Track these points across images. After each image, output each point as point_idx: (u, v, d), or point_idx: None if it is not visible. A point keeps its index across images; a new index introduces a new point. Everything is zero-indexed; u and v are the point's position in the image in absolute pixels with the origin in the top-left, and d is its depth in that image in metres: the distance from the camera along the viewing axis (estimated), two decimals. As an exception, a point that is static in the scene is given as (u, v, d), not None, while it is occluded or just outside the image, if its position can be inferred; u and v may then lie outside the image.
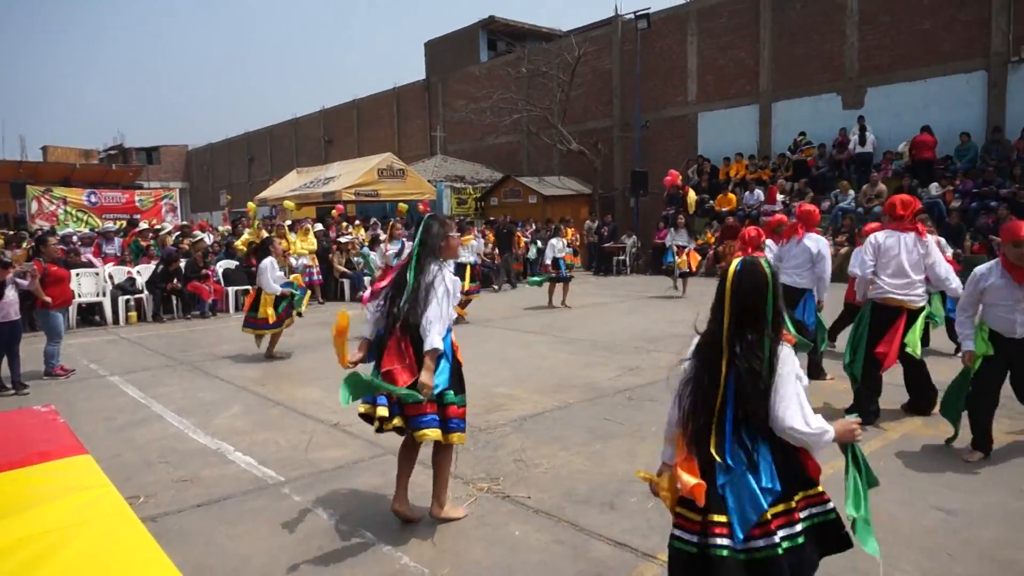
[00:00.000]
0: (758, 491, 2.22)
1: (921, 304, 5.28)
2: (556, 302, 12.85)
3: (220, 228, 19.12)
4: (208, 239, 14.94)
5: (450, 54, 30.92)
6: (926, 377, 5.48)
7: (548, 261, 13.25)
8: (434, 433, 3.47)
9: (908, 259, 5.22)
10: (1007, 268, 4.31)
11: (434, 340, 3.42)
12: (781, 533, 2.22)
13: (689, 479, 2.22)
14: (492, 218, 20.20)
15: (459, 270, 11.14)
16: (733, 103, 20.58)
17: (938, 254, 5.30)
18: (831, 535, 2.36)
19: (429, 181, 22.87)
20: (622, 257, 20.21)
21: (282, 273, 8.67)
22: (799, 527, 2.27)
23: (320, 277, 14.50)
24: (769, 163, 19.00)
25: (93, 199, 22.02)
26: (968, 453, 4.49)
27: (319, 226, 16.41)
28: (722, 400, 2.28)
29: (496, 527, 3.69)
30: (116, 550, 2.07)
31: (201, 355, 8.87)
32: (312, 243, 14.64)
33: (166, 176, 47.00)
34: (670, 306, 12.41)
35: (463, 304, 11.06)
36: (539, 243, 18.47)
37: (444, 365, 3.55)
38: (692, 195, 18.97)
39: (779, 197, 17.24)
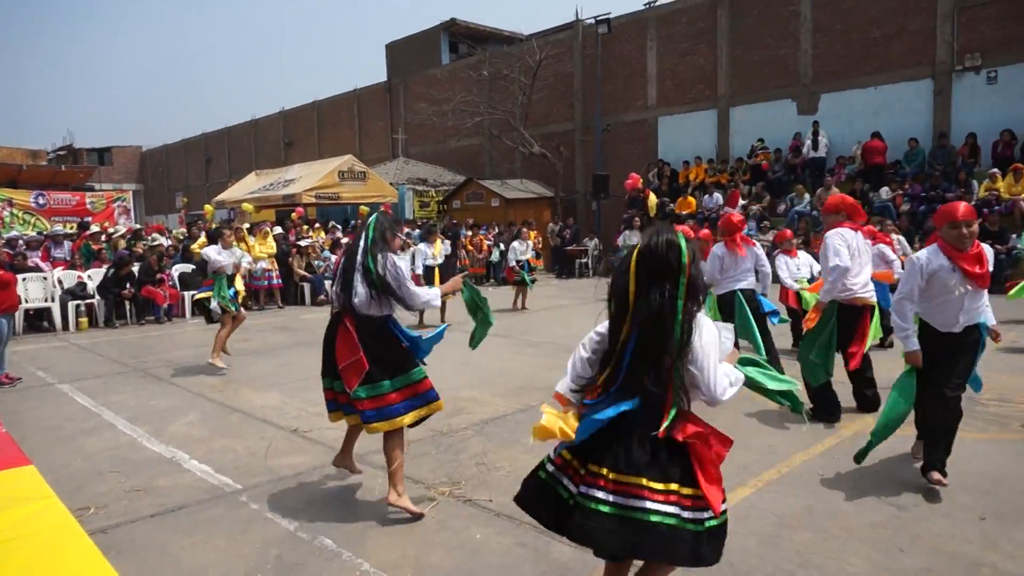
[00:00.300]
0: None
1: (874, 300, 5.43)
2: (523, 304, 12.90)
3: (176, 231, 18.69)
4: (166, 243, 14.60)
5: (411, 56, 30.79)
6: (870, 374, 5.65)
7: (512, 264, 13.28)
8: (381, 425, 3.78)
9: (867, 258, 5.41)
10: (949, 254, 3.93)
11: (428, 294, 4.02)
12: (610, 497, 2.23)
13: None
14: (426, 220, 20.19)
15: (427, 273, 11.12)
16: (692, 108, 20.90)
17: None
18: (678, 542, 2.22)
19: (391, 184, 22.73)
20: (584, 260, 20.35)
21: (229, 260, 8.19)
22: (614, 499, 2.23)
23: (280, 281, 14.28)
24: (728, 167, 19.35)
25: (41, 201, 21.31)
26: (931, 474, 3.92)
27: (278, 229, 16.17)
28: (617, 360, 2.32)
29: (457, 531, 3.67)
30: (60, 563, 2.01)
31: (156, 361, 8.66)
32: (271, 246, 14.41)
33: (119, 178, 45.76)
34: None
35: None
36: (502, 246, 18.50)
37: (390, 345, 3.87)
38: (653, 198, 19.30)
39: (740, 201, 17.56)
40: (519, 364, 7.93)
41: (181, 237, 16.12)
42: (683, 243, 2.28)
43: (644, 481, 2.21)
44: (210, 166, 42.68)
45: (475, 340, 4.82)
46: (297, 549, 3.52)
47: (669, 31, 21.32)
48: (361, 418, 3.79)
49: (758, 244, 7.00)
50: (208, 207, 18.32)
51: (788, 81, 18.89)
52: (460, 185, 23.92)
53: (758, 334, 6.01)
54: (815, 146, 17.55)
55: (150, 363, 8.54)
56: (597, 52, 22.47)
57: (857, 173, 16.62)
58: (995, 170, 14.31)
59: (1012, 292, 8.98)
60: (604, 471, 2.26)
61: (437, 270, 11.25)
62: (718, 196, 18.25)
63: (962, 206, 3.89)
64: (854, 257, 5.27)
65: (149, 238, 14.93)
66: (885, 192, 15.49)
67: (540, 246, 19.27)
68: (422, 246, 11.68)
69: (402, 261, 3.91)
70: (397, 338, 3.94)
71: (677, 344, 2.24)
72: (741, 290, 6.53)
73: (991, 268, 4.07)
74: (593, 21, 22.61)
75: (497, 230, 19.43)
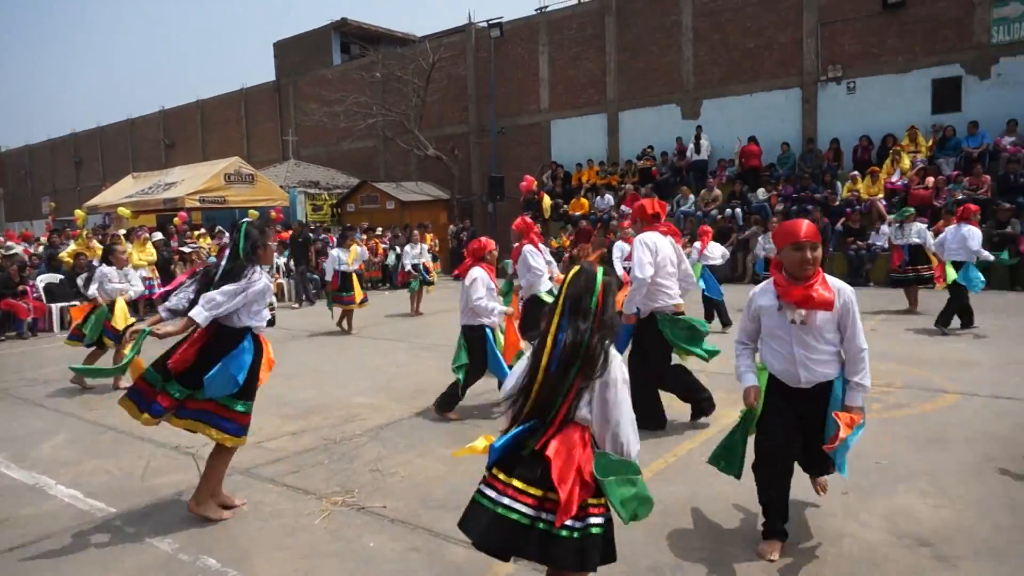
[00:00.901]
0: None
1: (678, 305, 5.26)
2: (422, 308, 12.81)
3: (42, 239, 17.27)
4: (27, 249, 13.45)
5: (301, 55, 29.90)
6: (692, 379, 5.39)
7: (408, 268, 13.16)
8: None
9: (675, 262, 5.23)
10: (779, 289, 3.16)
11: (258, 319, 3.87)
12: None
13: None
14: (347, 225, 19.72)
15: (344, 280, 10.80)
16: (583, 111, 21.45)
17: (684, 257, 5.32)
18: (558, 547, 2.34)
19: (281, 187, 21.95)
20: (482, 262, 20.42)
21: (123, 285, 7.59)
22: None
23: (161, 290, 13.49)
24: (618, 169, 19.98)
25: None
26: (763, 545, 3.29)
27: (159, 235, 15.27)
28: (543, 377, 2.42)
29: (350, 540, 3.60)
30: None
31: (18, 380, 7.97)
32: (151, 253, 13.61)
33: (-30, 181, 41.80)
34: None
35: (348, 314, 10.86)
36: (398, 249, 18.28)
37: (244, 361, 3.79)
38: (547, 200, 19.61)
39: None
40: (415, 368, 7.87)
41: (44, 245, 14.91)
42: (599, 281, 2.46)
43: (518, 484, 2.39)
44: (81, 168, 39.73)
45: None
46: (178, 572, 3.34)
47: (560, 36, 21.79)
48: (231, 430, 3.79)
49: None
50: (79, 212, 17.02)
51: (672, 87, 19.74)
52: (354, 188, 23.45)
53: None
54: (698, 150, 18.44)
55: (11, 382, 7.85)
56: (490, 55, 22.65)
57: (736, 175, 17.59)
58: (855, 172, 15.54)
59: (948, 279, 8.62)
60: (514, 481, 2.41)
61: (354, 276, 11.03)
62: (609, 198, 18.80)
63: (805, 224, 3.11)
64: (662, 265, 5.06)
65: (2, 248, 13.68)
66: (761, 193, 16.48)
67: (436, 249, 19.18)
68: (336, 251, 11.40)
69: (266, 283, 3.85)
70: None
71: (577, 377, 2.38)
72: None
73: (841, 302, 3.13)
74: (486, 25, 22.79)
75: (392, 234, 19.16)
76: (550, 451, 2.37)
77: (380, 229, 19.46)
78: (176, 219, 17.41)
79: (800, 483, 4.07)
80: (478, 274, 5.66)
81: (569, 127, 21.83)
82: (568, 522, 2.32)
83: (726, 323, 9.53)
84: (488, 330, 5.68)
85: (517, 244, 7.64)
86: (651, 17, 19.92)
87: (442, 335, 10.08)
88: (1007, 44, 15.22)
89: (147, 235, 14.03)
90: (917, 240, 10.25)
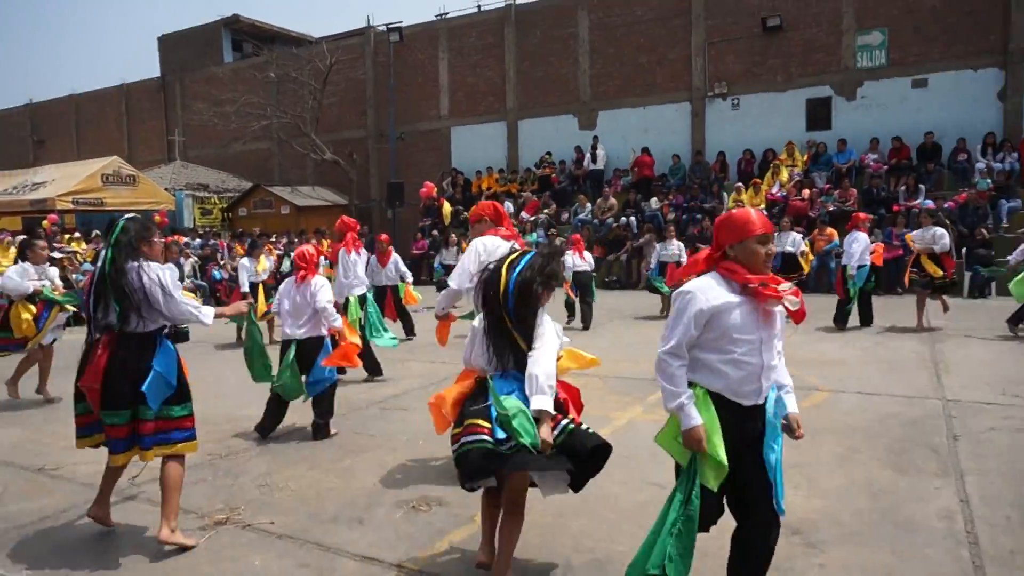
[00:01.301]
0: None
1: None
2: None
3: None
4: None
5: (189, 52, 28.49)
6: None
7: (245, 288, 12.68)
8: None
9: None
10: (743, 284, 2.59)
11: (198, 312, 3.66)
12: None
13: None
14: (261, 233, 18.93)
15: (253, 290, 10.25)
16: (483, 119, 21.59)
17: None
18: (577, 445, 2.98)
19: (166, 189, 20.82)
20: (382, 268, 20.11)
21: (43, 283, 6.89)
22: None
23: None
24: (517, 177, 20.23)
25: None
26: None
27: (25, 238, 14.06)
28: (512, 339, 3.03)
29: (234, 560, 3.44)
30: None
31: None
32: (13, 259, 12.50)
33: None
34: (428, 318, 12.62)
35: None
36: (292, 255, 17.71)
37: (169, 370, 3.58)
38: (447, 207, 19.62)
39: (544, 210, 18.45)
40: (309, 377, 7.62)
41: None
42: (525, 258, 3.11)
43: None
44: (-66, 165, 36.11)
45: (255, 374, 5.26)
46: (37, 604, 3.07)
47: (460, 43, 21.85)
48: (183, 437, 3.64)
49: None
50: (-70, 213, 15.50)
51: (570, 98, 20.21)
52: (247, 192, 22.57)
53: None
54: (594, 159, 18.96)
55: None
56: (389, 60, 22.42)
57: (631, 185, 18.21)
58: (740, 184, 16.44)
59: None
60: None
61: (261, 287, 10.53)
62: (509, 204, 18.99)
63: (755, 214, 2.69)
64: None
65: None
66: (654, 202, 17.13)
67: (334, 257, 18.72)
68: (245, 261, 10.86)
69: (166, 270, 3.61)
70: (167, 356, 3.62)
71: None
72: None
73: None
74: (385, 29, 22.54)
75: (287, 240, 18.53)
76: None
77: (253, 235, 18.78)
78: (45, 222, 16.13)
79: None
80: (325, 281, 5.45)
81: (469, 134, 21.91)
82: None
83: (586, 327, 10.53)
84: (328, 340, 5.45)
85: (334, 244, 7.74)
86: (549, 28, 20.33)
87: (338, 343, 9.84)
88: (870, 69, 16.58)
89: (10, 238, 12.92)
90: (791, 248, 10.73)
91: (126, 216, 3.72)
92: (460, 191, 20.64)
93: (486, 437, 2.87)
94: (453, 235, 15.32)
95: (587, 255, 11.07)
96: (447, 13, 22.59)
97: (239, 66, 26.88)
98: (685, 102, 18.68)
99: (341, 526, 3.79)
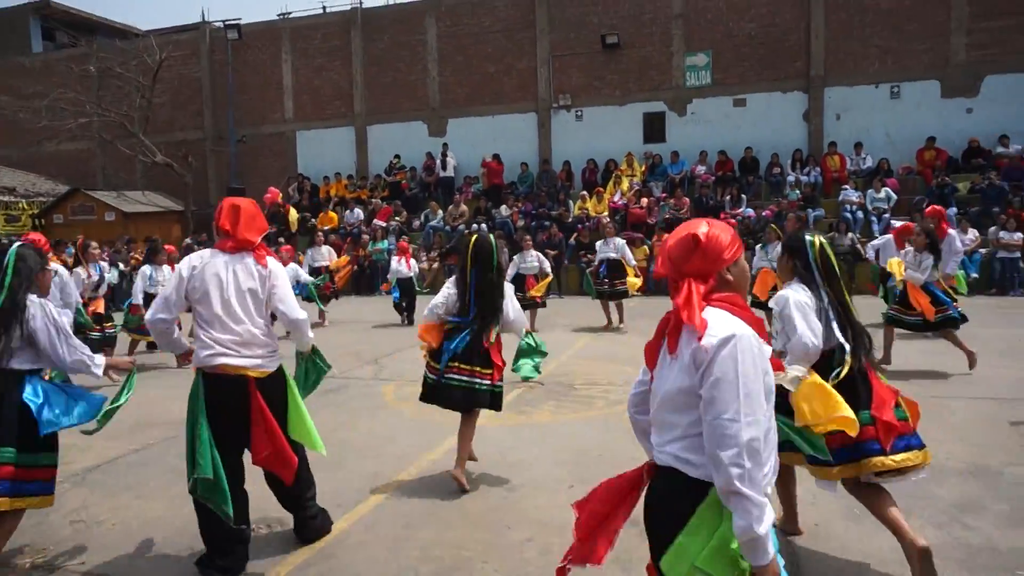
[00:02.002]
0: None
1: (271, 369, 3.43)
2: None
3: None
4: None
5: (-11, 38, 25.35)
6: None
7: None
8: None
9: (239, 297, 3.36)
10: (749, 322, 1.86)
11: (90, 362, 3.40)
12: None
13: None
14: (152, 238, 17.06)
15: (148, 302, 9.18)
16: (330, 124, 21.01)
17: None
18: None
19: (-39, 192, 18.35)
20: (222, 278, 18.95)
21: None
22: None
23: None
24: (367, 183, 19.85)
25: None
26: None
27: None
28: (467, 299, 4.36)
29: (40, 608, 3.08)
30: None
31: None
32: None
33: None
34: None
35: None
36: (120, 265, 16.24)
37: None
38: (294, 213, 18.88)
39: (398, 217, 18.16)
40: (137, 399, 6.98)
41: None
42: (493, 242, 4.46)
43: (477, 368, 4.36)
44: None
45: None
46: None
47: (304, 45, 21.12)
48: (42, 490, 3.34)
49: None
50: None
51: (419, 104, 20.16)
52: (63, 196, 20.40)
53: None
54: (444, 166, 19.03)
55: None
56: (228, 58, 21.22)
57: (481, 192, 18.45)
58: (584, 192, 17.17)
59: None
60: (457, 364, 4.34)
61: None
62: (359, 211, 18.60)
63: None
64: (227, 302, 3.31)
65: None
66: (504, 210, 17.47)
67: (172, 265, 17.39)
68: (146, 268, 9.70)
69: (60, 311, 3.56)
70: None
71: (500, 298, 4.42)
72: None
73: None
74: (222, 25, 21.31)
75: (113, 248, 16.94)
76: (492, 349, 4.46)
77: (73, 244, 17.12)
78: None
79: (533, 492, 4.34)
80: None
81: (316, 139, 21.22)
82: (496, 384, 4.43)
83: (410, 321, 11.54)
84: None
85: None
86: (397, 34, 20.18)
87: (172, 360, 9.13)
88: (697, 88, 17.96)
89: None
90: (614, 255, 10.59)
91: (19, 242, 3.35)
92: (307, 197, 19.91)
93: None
94: (320, 236, 14.85)
95: (412, 263, 12.17)
96: (290, 13, 21.77)
97: (52, 57, 24.28)
98: (532, 112, 19.24)
99: (169, 559, 3.50)
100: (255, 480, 4.54)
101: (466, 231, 16.87)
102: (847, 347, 3.17)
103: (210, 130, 22.18)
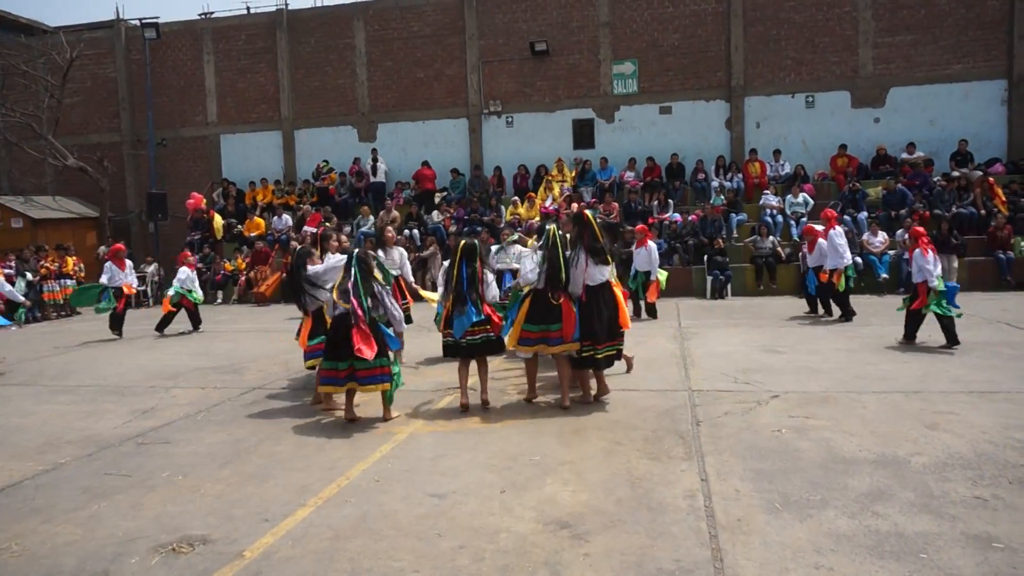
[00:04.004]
0: (467, 321, 6.02)
1: None
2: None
3: None
4: None
5: None
6: None
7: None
8: None
9: None
10: None
11: None
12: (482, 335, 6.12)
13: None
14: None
15: (13, 309, 8.57)
16: (256, 127, 20.47)
17: None
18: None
19: None
20: (143, 287, 18.14)
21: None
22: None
23: None
24: (295, 189, 19.42)
25: None
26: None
27: None
28: (457, 281, 6.08)
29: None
30: None
31: None
32: None
33: None
34: (194, 339, 11.64)
35: None
36: (28, 275, 15.34)
37: None
38: (219, 219, 18.32)
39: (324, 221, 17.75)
40: (43, 416, 6.63)
41: None
42: (477, 244, 6.30)
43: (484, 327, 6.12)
44: None
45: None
46: None
47: (227, 46, 20.52)
48: None
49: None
50: None
51: (349, 109, 19.87)
52: (-37, 202, 19.14)
53: None
54: (374, 172, 18.80)
55: None
56: (145, 58, 20.37)
57: (413, 197, 18.32)
58: (516, 197, 17.27)
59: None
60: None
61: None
62: (287, 217, 18.17)
63: None
64: None
65: None
66: (436, 215, 17.40)
67: (83, 275, 16.59)
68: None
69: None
70: None
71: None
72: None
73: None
74: (138, 23, 20.45)
75: (16, 258, 15.94)
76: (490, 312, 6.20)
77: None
78: None
79: (464, 498, 4.32)
80: None
81: (241, 143, 20.62)
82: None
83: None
84: None
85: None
86: (324, 37, 19.84)
87: (87, 373, 8.71)
88: (624, 95, 18.36)
89: None
90: (517, 265, 10.71)
91: None
92: (233, 203, 19.32)
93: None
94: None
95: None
96: (212, 12, 21.10)
97: (-50, 53, 22.76)
98: (463, 118, 19.25)
99: (82, 584, 3.33)
100: (175, 497, 4.37)
101: (397, 236, 16.73)
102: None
103: (128, 133, 21.25)
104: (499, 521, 3.88)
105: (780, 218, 15.72)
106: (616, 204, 16.55)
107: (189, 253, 13.16)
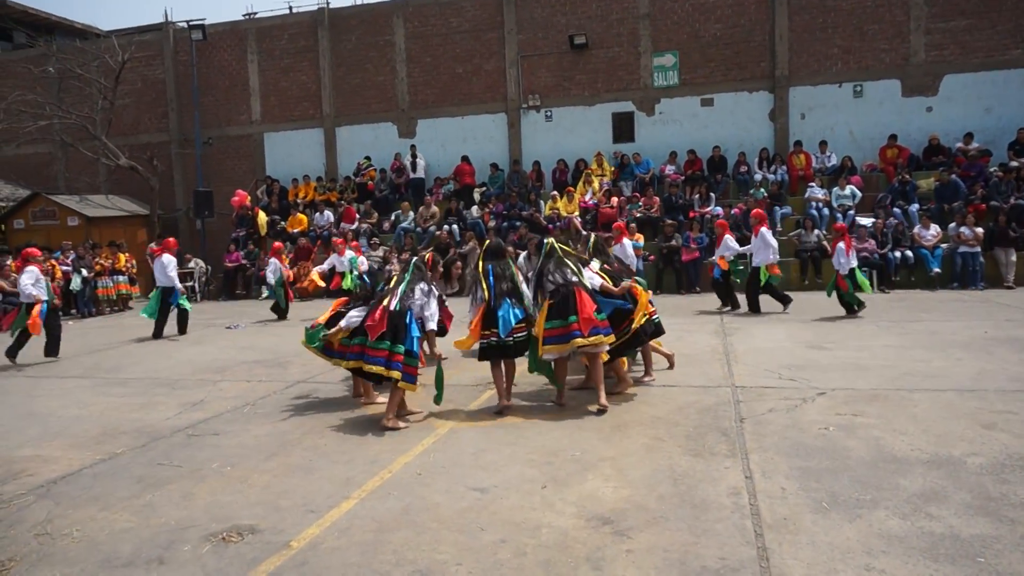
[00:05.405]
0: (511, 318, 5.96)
1: None
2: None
3: None
4: None
5: (-58, 39, 24.60)
6: None
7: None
8: None
9: None
10: None
11: None
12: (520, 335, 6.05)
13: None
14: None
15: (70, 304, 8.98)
16: (298, 125, 20.78)
17: None
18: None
19: (-85, 198, 17.80)
20: (190, 283, 18.64)
21: None
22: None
23: None
24: (336, 185, 19.68)
25: None
26: None
27: None
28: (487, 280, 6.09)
29: (3, 625, 3.00)
30: None
31: None
32: None
33: None
34: (241, 334, 11.90)
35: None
36: (84, 272, 15.89)
37: None
38: (262, 216, 18.69)
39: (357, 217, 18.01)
40: (102, 407, 6.88)
41: None
42: (500, 243, 6.62)
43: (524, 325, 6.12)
44: None
45: None
46: None
47: (271, 45, 20.87)
48: None
49: None
50: None
51: (389, 105, 20.03)
52: (23, 201, 19.89)
53: None
54: (414, 168, 18.94)
55: None
56: (192, 59, 20.87)
57: (452, 193, 18.40)
58: (555, 192, 17.22)
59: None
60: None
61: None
62: (329, 214, 18.44)
63: None
64: None
65: None
66: (475, 211, 17.44)
67: (135, 271, 17.11)
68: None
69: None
70: None
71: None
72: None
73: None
74: (186, 25, 20.95)
75: (74, 255, 16.55)
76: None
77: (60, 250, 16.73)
78: None
79: (506, 492, 4.35)
80: None
81: (284, 140, 20.98)
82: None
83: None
84: None
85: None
86: (365, 35, 20.03)
87: (142, 366, 8.98)
88: (665, 88, 18.12)
89: None
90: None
91: None
92: (276, 200, 19.68)
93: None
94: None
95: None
96: (255, 13, 21.48)
97: (10, 58, 23.63)
98: (501, 113, 19.24)
99: (138, 569, 3.44)
100: (224, 487, 4.49)
101: (438, 232, 16.86)
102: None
103: (175, 132, 21.80)
104: (540, 516, 3.88)
105: (826, 211, 15.36)
106: (657, 198, 16.39)
107: (280, 245, 14.01)
